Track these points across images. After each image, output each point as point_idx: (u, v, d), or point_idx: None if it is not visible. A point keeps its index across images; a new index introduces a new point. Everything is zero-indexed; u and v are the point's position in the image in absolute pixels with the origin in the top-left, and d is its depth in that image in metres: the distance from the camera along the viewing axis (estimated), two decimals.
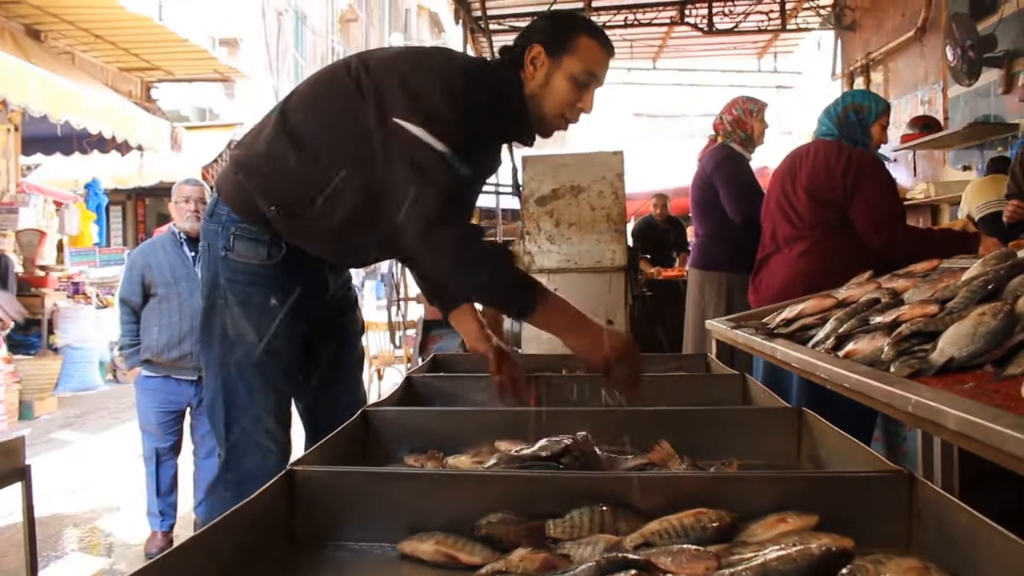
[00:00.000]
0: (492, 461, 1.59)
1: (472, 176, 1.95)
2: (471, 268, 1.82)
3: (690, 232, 7.90)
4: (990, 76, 5.65)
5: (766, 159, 4.35)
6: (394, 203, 1.80)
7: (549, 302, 1.82)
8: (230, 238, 1.98)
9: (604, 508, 1.21)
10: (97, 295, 8.86)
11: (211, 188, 4.00)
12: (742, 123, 4.21)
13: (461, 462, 1.63)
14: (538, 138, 2.04)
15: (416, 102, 1.79)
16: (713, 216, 4.23)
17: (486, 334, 2.23)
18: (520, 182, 4.61)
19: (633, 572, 0.97)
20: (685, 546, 1.07)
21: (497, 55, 1.99)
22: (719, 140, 4.30)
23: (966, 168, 6.25)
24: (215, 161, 10.94)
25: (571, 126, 2.03)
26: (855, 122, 2.94)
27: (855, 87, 8.17)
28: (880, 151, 3.04)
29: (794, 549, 0.98)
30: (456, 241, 1.79)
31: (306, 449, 2.16)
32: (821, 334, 1.95)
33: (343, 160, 1.88)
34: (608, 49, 1.94)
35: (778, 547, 1.01)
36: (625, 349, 1.84)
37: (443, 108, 1.79)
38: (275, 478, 1.29)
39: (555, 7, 8.78)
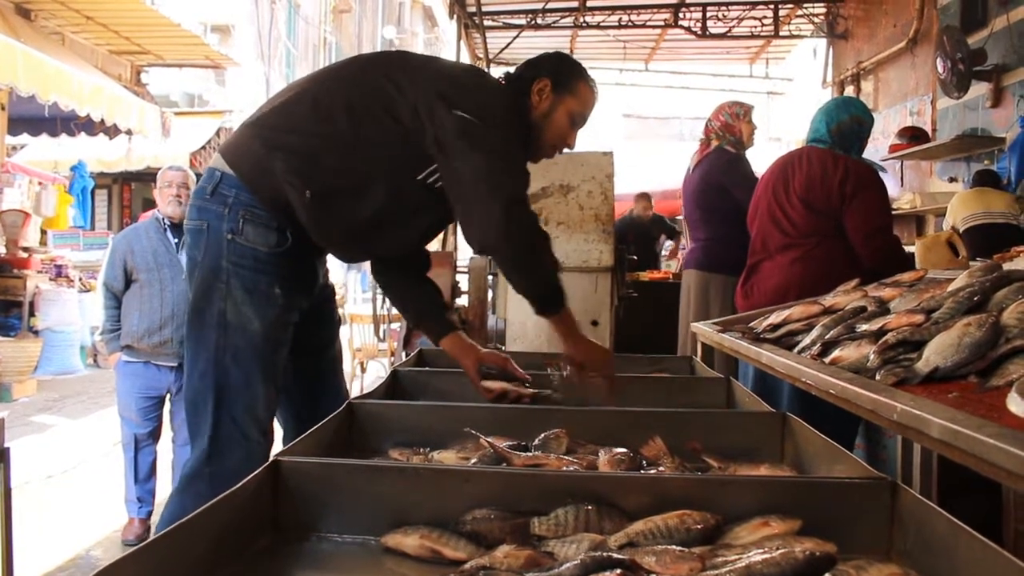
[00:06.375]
0: (476, 458, 1.59)
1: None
2: (541, 255, 1.99)
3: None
4: (979, 89, 5.70)
5: (754, 164, 4.35)
6: (465, 181, 1.90)
7: (566, 308, 2.07)
8: (239, 221, 1.93)
9: (589, 507, 1.22)
10: (80, 279, 8.76)
11: (196, 175, 3.99)
12: (730, 127, 4.23)
13: (446, 457, 1.63)
14: None
15: (480, 113, 1.91)
16: (719, 219, 4.22)
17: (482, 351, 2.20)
18: None
19: (618, 571, 0.97)
20: (669, 547, 1.08)
21: (503, 80, 2.13)
22: (713, 144, 4.31)
23: (952, 180, 6.30)
24: (203, 147, 10.86)
25: None
26: (855, 133, 2.94)
27: (845, 96, 8.20)
28: (873, 161, 3.04)
29: (778, 553, 0.98)
30: (536, 225, 1.97)
31: (285, 439, 2.16)
32: (807, 340, 1.95)
33: (381, 162, 1.94)
34: (596, 98, 2.17)
35: (762, 550, 1.02)
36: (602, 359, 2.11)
37: (498, 111, 1.97)
38: (259, 469, 1.28)
39: (550, 5, 8.79)
